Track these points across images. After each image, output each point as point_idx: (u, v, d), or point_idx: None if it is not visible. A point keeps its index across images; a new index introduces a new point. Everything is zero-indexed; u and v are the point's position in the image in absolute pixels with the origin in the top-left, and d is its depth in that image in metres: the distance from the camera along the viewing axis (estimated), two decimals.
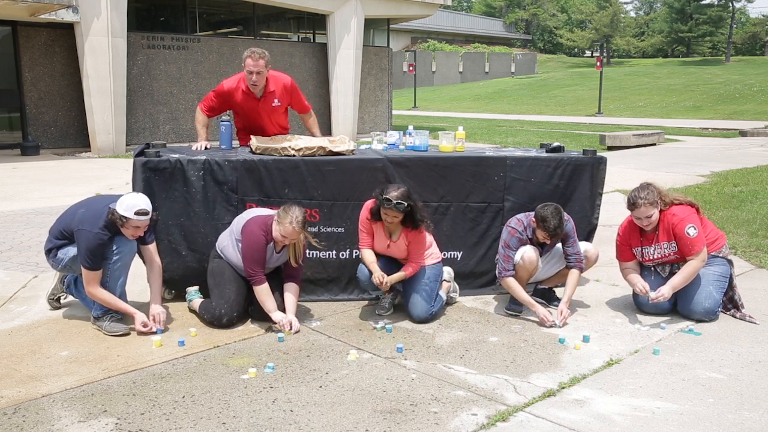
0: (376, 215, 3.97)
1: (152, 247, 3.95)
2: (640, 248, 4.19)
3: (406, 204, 3.84)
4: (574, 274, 4.16)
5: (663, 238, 4.09)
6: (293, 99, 5.18)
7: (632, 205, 4.04)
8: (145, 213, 3.66)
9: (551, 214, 3.94)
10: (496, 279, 4.32)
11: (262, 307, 3.87)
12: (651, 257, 4.16)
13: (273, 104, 5.04)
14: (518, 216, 4.23)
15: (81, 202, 3.99)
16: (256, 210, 4.08)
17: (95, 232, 3.66)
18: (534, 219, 4.06)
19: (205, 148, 4.74)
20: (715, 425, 2.80)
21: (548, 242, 4.10)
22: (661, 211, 4.07)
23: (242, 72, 4.92)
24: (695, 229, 3.98)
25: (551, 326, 3.94)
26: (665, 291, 3.93)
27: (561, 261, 4.28)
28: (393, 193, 3.84)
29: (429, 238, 4.21)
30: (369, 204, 4.06)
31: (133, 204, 3.63)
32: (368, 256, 4.07)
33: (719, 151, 14.67)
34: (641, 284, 4.03)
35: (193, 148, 4.75)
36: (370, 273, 4.01)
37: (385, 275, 3.95)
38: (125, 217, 3.62)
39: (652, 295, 3.94)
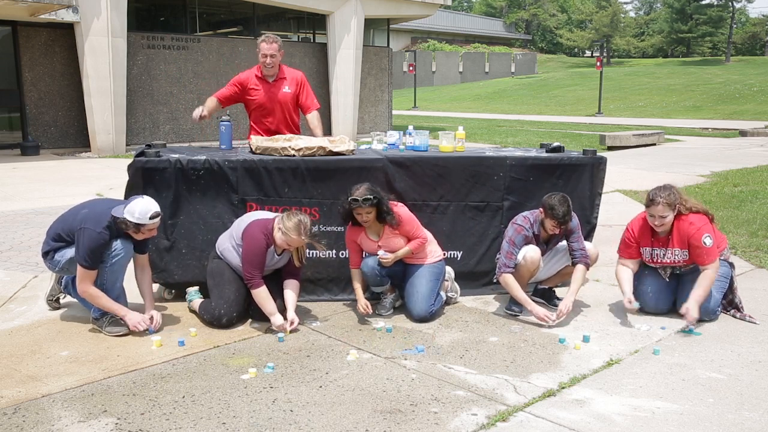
0: (354, 221, 4.03)
1: (146, 257, 4.01)
2: (650, 249, 4.15)
3: (372, 197, 3.89)
4: (579, 269, 4.14)
5: (676, 244, 4.04)
6: (302, 92, 5.37)
7: (650, 201, 3.98)
8: (158, 214, 3.72)
9: (559, 202, 3.98)
10: (494, 276, 4.31)
11: (261, 309, 3.87)
12: (660, 260, 4.13)
13: (283, 89, 5.25)
14: (524, 213, 4.22)
15: (83, 203, 3.99)
16: (256, 213, 4.08)
17: (99, 231, 3.67)
18: (541, 209, 4.07)
19: (201, 117, 5.04)
20: (715, 425, 2.80)
21: (557, 232, 4.09)
22: (679, 216, 4.01)
23: (256, 65, 5.27)
24: (711, 239, 3.94)
25: (550, 327, 3.93)
26: (694, 312, 3.80)
27: (561, 260, 4.28)
28: (357, 192, 3.90)
29: (429, 236, 4.21)
30: (349, 225, 4.13)
31: (145, 210, 3.65)
32: (356, 279, 4.15)
33: (719, 151, 14.67)
34: (629, 296, 3.99)
35: (194, 113, 5.06)
36: (375, 265, 4.06)
37: (369, 304, 4.08)
38: (141, 224, 3.66)
39: (690, 318, 3.80)
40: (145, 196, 3.76)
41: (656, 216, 3.97)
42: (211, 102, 5.25)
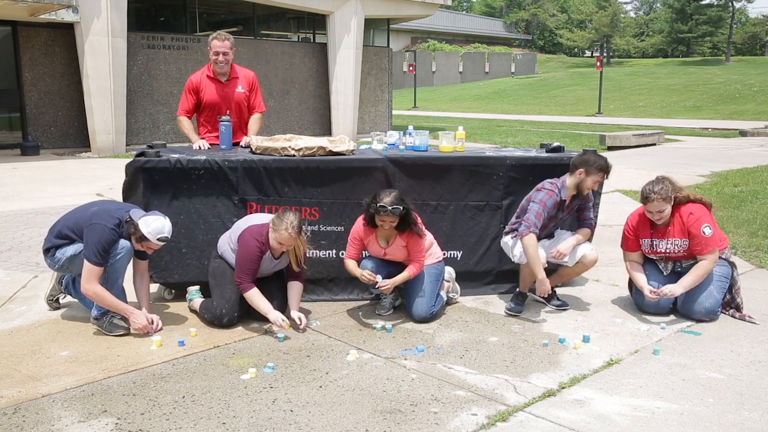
0: (371, 223, 3.97)
1: (146, 263, 4.03)
2: (650, 240, 4.16)
3: (402, 207, 3.85)
4: (584, 230, 4.31)
5: (676, 234, 4.07)
6: (253, 92, 5.24)
7: (645, 198, 4.03)
8: (166, 240, 3.78)
9: (595, 155, 4.18)
10: (515, 235, 4.26)
11: (257, 310, 3.88)
12: (660, 250, 4.14)
13: (237, 90, 5.13)
14: (549, 180, 4.24)
15: (92, 202, 4.02)
16: (255, 217, 4.08)
17: (110, 227, 3.71)
18: (582, 170, 4.11)
19: (203, 147, 4.81)
20: (715, 425, 2.80)
21: (595, 188, 4.22)
22: (677, 206, 4.06)
23: (206, 65, 5.13)
24: (711, 228, 3.98)
25: (544, 294, 4.08)
26: (675, 289, 3.93)
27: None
28: (386, 199, 3.85)
29: (429, 237, 4.21)
30: (361, 218, 4.05)
31: (159, 230, 3.72)
32: (352, 265, 4.06)
33: (719, 151, 14.66)
34: (648, 288, 4.04)
35: (194, 147, 4.78)
36: (372, 266, 4.04)
37: (374, 275, 3.96)
38: (146, 238, 3.71)
39: (664, 290, 3.93)
40: (167, 219, 3.81)
41: (654, 212, 4.02)
42: (188, 125, 5.11)
